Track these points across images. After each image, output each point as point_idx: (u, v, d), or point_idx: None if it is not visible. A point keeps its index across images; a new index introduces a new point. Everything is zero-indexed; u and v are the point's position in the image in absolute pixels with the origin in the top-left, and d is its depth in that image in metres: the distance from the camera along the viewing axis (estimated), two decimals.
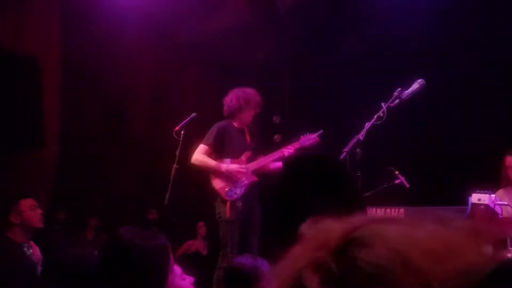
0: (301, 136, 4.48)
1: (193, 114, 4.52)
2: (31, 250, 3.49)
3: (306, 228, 0.68)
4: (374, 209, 3.93)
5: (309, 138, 4.44)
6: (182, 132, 4.47)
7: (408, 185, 4.27)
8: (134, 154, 8.32)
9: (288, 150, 4.41)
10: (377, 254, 0.57)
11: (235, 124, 4.58)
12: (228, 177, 4.47)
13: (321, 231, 0.63)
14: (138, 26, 7.71)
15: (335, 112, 6.81)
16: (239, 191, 4.43)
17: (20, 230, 3.49)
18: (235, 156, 4.53)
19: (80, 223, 7.17)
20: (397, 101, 3.40)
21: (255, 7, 7.36)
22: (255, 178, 4.47)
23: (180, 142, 4.46)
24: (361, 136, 3.21)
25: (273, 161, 4.48)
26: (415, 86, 3.47)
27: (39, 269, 3.37)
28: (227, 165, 4.48)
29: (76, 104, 7.83)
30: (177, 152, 4.47)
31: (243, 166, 4.49)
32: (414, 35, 6.36)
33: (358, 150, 3.19)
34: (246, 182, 4.45)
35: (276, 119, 7.64)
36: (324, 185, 1.36)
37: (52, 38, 7.62)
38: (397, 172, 4.33)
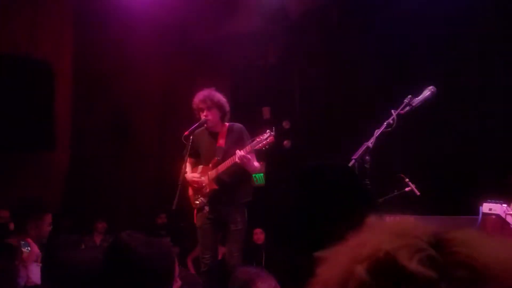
0: (256, 138, 4.26)
1: (203, 119, 4.49)
2: (29, 248, 3.52)
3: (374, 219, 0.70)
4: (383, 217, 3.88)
5: (261, 140, 4.20)
6: (191, 137, 4.46)
7: (418, 193, 4.21)
8: (144, 158, 8.34)
9: (238, 155, 4.19)
10: (481, 254, 0.58)
11: (208, 129, 4.51)
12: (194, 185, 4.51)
13: (397, 223, 0.65)
14: (150, 31, 7.75)
15: (345, 118, 6.78)
16: (202, 199, 4.45)
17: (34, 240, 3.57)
18: (206, 163, 4.49)
19: (88, 227, 7.20)
20: (407, 108, 3.37)
21: (266, 12, 7.36)
22: (215, 186, 4.40)
23: (189, 147, 4.46)
24: (370, 143, 3.17)
25: (228, 167, 4.31)
26: (426, 93, 3.42)
27: (39, 265, 3.41)
28: (188, 175, 4.50)
29: (87, 108, 7.87)
30: (186, 157, 4.48)
31: (197, 175, 4.47)
32: (429, 40, 6.31)
33: (367, 157, 3.15)
34: (207, 190, 4.44)
35: (286, 124, 7.62)
36: (341, 194, 1.35)
37: (64, 42, 7.68)
38: (407, 180, 4.28)
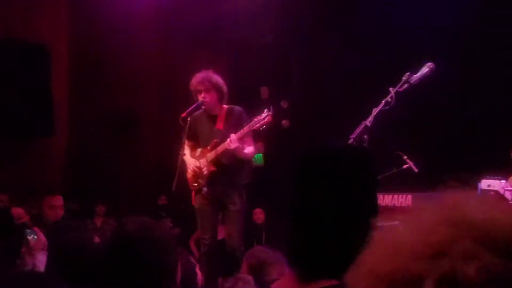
0: (253, 119, 4.22)
1: (200, 101, 4.46)
2: (35, 236, 3.53)
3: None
4: (381, 195, 3.89)
5: (259, 120, 4.17)
6: (189, 119, 4.44)
7: (417, 170, 4.22)
8: (143, 140, 8.33)
9: (231, 139, 4.18)
10: None
11: (206, 111, 4.48)
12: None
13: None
14: (147, 12, 7.67)
15: (343, 96, 6.76)
16: (200, 181, 4.44)
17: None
18: (205, 145, 4.48)
19: (89, 210, 7.23)
20: (406, 85, 3.34)
21: None
22: (213, 168, 4.39)
23: (187, 129, 4.44)
24: (368, 122, 3.15)
25: (224, 151, 4.31)
26: (425, 70, 3.39)
27: (45, 254, 3.42)
28: (187, 158, 4.49)
29: (85, 92, 7.84)
30: (184, 139, 4.46)
31: (196, 163, 4.45)
32: (428, 17, 6.25)
33: (365, 136, 3.14)
34: (205, 172, 4.43)
35: (284, 103, 7.60)
36: (349, 176, 1.31)
37: (61, 25, 7.61)
38: (406, 157, 4.28)
